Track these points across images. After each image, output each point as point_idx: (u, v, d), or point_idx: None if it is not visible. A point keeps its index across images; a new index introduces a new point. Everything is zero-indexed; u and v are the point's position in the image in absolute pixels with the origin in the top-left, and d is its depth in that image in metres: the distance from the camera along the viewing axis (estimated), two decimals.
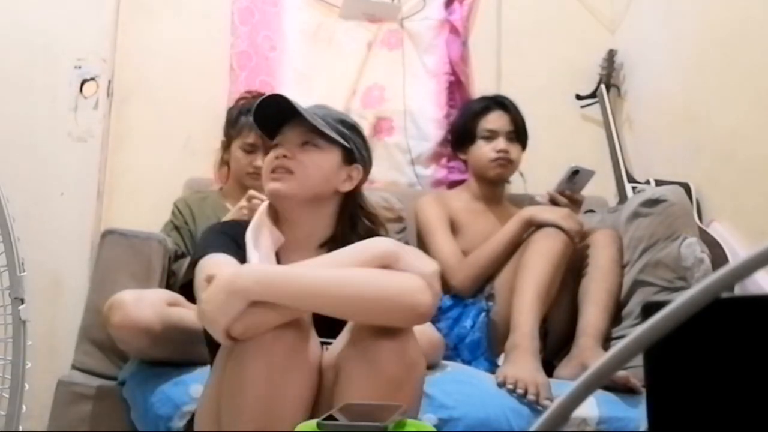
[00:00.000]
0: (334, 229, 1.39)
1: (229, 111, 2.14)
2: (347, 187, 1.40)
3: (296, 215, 1.37)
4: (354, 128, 1.43)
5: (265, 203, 1.41)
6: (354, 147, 1.40)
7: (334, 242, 1.36)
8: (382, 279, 1.14)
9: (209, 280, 1.15)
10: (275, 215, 1.39)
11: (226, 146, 2.08)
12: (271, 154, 1.38)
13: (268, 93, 2.21)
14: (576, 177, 2.04)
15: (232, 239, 1.29)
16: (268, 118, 1.39)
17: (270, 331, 1.11)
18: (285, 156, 1.34)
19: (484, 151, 2.09)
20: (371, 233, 1.38)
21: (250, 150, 2.00)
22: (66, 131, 2.36)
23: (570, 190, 2.04)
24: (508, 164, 2.08)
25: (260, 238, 1.30)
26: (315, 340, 1.18)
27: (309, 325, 1.17)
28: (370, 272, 1.15)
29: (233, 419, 1.12)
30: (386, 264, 1.16)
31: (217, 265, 1.20)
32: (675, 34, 2.44)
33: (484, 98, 2.21)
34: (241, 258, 1.24)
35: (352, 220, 1.41)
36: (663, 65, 2.48)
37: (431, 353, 1.56)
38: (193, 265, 1.26)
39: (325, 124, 1.36)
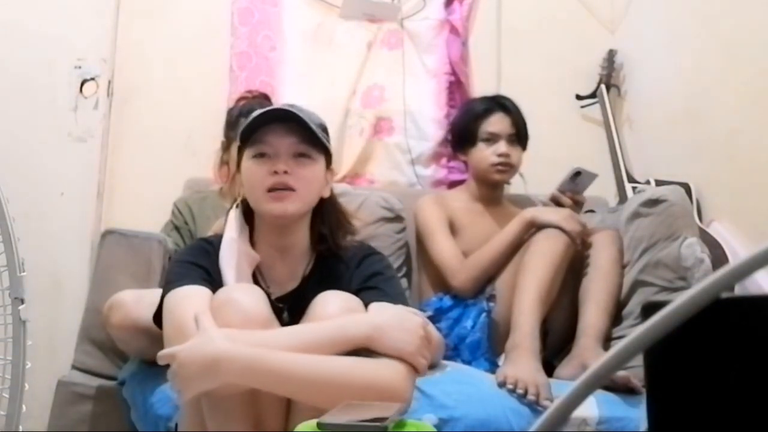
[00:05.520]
0: (313, 234, 1.36)
1: (229, 112, 2.14)
2: (327, 192, 1.37)
3: (286, 229, 1.33)
4: (327, 130, 1.37)
5: (233, 216, 1.34)
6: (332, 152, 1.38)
7: (326, 246, 1.36)
8: (360, 372, 1.13)
9: (196, 320, 1.11)
10: (248, 223, 1.35)
11: (226, 146, 2.07)
12: (263, 168, 1.27)
13: (268, 93, 2.25)
14: (578, 178, 2.03)
15: (201, 267, 1.26)
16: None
17: None
18: (285, 172, 1.26)
19: (485, 154, 2.06)
20: (350, 231, 1.39)
21: None
22: (66, 131, 2.36)
23: (571, 191, 2.03)
24: (509, 168, 2.06)
25: (235, 258, 1.27)
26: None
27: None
28: (349, 364, 1.13)
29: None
30: (366, 346, 1.15)
31: (189, 298, 1.17)
32: (675, 34, 2.44)
33: (485, 99, 2.17)
34: (214, 281, 1.23)
35: (338, 223, 1.39)
36: (663, 65, 2.48)
37: (432, 353, 1.56)
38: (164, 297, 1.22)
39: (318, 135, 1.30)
